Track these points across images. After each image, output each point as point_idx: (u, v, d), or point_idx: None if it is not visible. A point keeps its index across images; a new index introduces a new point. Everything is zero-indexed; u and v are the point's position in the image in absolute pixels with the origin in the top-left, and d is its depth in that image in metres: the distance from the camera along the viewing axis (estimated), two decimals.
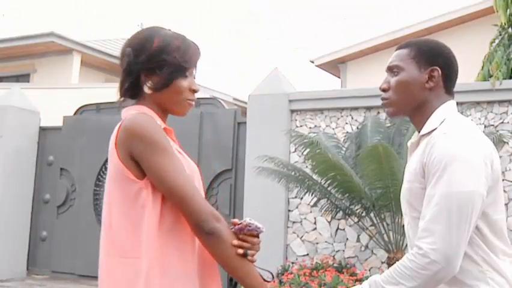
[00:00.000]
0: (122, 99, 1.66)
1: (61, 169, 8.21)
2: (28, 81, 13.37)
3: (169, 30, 1.67)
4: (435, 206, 1.49)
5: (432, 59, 1.67)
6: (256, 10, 51.85)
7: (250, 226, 1.48)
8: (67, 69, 13.12)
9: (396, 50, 1.74)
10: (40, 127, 8.43)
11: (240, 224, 1.49)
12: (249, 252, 1.49)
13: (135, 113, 1.55)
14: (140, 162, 1.50)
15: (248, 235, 1.50)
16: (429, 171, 1.54)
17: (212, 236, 1.46)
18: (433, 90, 1.66)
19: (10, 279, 7.69)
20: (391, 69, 1.71)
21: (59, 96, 10.37)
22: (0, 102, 8.07)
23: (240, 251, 1.47)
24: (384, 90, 1.72)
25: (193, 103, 1.67)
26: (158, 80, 1.59)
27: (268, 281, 1.53)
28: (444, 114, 1.63)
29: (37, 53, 13.35)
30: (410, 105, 1.68)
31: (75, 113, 8.39)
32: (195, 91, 1.65)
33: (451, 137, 1.54)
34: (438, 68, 1.65)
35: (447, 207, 1.47)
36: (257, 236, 1.52)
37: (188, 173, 1.55)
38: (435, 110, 1.65)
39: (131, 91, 1.64)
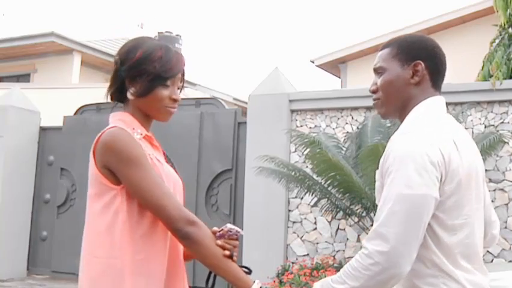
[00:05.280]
0: (115, 103, 1.78)
1: (61, 169, 8.21)
2: (28, 81, 13.37)
3: (156, 40, 1.77)
4: (385, 208, 1.46)
5: (414, 54, 1.64)
6: (256, 10, 51.88)
7: (231, 231, 1.63)
8: (67, 69, 13.12)
9: (379, 50, 1.73)
10: (40, 127, 8.44)
11: (221, 230, 1.63)
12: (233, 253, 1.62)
13: (114, 129, 1.66)
14: (116, 173, 1.61)
15: (229, 239, 1.63)
16: (385, 171, 1.52)
17: (188, 240, 1.58)
18: (419, 85, 1.63)
19: (10, 279, 7.70)
20: (376, 71, 1.71)
21: (59, 96, 10.36)
22: (1, 102, 8.07)
23: (227, 252, 1.60)
24: (373, 92, 1.71)
25: (174, 110, 1.76)
26: (140, 87, 1.70)
27: (249, 274, 1.66)
28: (418, 113, 1.60)
29: (37, 53, 13.35)
30: (398, 103, 1.65)
31: (75, 113, 8.39)
32: (175, 100, 1.74)
33: (408, 138, 1.52)
34: (421, 62, 1.62)
35: (397, 209, 1.44)
36: (236, 239, 1.65)
37: (166, 180, 1.65)
38: (414, 108, 1.62)
39: (119, 95, 1.75)
